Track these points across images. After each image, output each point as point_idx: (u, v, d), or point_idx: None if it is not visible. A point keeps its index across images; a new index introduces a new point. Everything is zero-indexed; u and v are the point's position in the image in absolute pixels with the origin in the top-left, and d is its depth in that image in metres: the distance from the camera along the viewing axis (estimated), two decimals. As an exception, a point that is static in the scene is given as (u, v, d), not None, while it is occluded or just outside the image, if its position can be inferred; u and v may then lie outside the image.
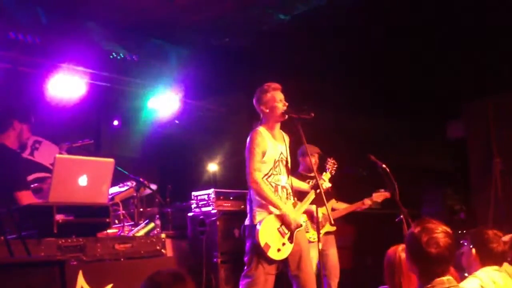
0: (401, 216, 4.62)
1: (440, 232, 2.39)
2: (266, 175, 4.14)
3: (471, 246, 3.21)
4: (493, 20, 5.91)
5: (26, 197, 3.94)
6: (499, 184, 6.68)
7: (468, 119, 7.21)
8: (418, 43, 6.38)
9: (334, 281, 5.49)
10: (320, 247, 4.32)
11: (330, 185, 4.71)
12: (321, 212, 4.66)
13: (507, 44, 6.06)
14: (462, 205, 7.24)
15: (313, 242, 5.13)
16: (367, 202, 5.64)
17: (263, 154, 4.13)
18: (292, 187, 4.33)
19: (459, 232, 5.65)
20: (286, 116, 4.21)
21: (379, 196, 5.60)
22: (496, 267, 3.11)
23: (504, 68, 6.28)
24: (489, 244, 3.16)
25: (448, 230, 2.44)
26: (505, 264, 3.24)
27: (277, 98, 4.20)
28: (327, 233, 5.52)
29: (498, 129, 6.78)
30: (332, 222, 4.55)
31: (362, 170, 4.87)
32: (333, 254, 5.57)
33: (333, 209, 5.59)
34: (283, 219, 4.07)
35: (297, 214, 4.22)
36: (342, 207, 5.72)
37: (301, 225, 4.23)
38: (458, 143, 7.37)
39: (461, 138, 7.32)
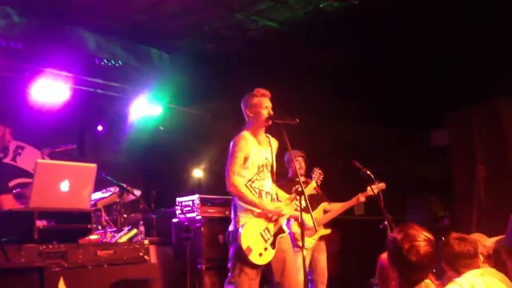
0: (385, 222, 4.64)
1: (422, 240, 2.43)
2: (249, 180, 4.11)
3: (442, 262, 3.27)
4: (479, 31, 5.98)
5: (7, 201, 3.89)
6: (482, 191, 6.73)
7: (452, 128, 7.26)
8: (404, 53, 6.42)
9: (321, 287, 5.46)
10: (306, 253, 4.27)
11: (314, 192, 4.69)
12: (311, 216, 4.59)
13: (492, 54, 6.13)
14: (446, 212, 7.27)
15: (305, 249, 5.05)
16: (362, 198, 5.43)
17: (246, 159, 4.11)
18: (276, 193, 4.33)
19: (443, 238, 5.66)
20: (270, 122, 4.20)
21: (375, 188, 5.32)
22: (478, 272, 3.11)
23: (488, 78, 6.35)
24: (449, 250, 3.21)
25: (430, 237, 2.47)
26: (492, 270, 3.23)
27: (263, 104, 4.20)
28: (321, 237, 5.49)
29: (481, 137, 6.85)
30: (316, 228, 4.45)
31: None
32: (323, 260, 5.52)
33: (325, 211, 5.52)
34: (265, 214, 4.04)
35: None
36: (337, 207, 5.57)
37: (284, 231, 4.21)
38: (442, 151, 7.42)
39: (446, 146, 7.37)
